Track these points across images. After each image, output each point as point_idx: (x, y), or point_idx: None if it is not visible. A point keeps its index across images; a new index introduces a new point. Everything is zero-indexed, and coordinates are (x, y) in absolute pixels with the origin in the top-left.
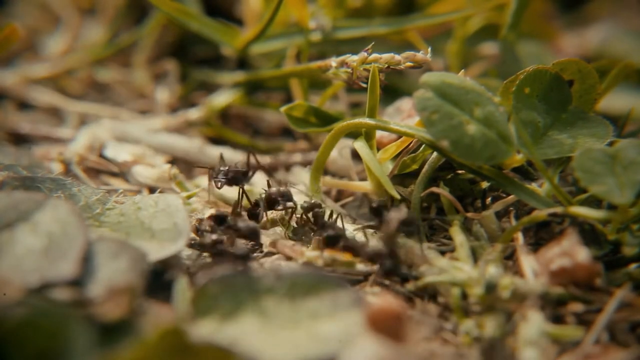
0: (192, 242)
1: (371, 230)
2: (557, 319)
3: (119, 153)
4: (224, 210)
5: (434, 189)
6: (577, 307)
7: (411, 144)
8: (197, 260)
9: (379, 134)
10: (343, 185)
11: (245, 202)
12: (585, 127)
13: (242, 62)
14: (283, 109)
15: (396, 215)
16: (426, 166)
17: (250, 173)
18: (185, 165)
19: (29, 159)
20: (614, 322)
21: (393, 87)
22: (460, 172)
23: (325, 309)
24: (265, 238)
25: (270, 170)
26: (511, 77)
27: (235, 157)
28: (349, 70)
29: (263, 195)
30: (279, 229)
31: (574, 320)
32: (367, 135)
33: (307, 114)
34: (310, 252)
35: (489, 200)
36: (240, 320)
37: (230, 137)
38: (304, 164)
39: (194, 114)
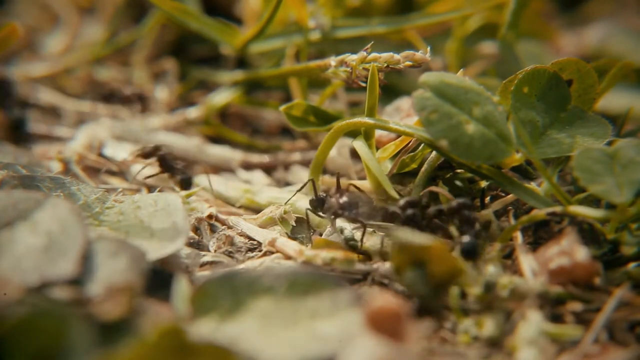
0: (191, 241)
1: (370, 229)
2: (556, 318)
3: (118, 152)
4: None
5: (433, 188)
6: (576, 306)
7: (410, 143)
8: (196, 259)
9: (378, 133)
10: (342, 185)
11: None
12: (584, 126)
13: (242, 61)
14: (282, 108)
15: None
16: (425, 165)
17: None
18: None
19: (28, 157)
20: (613, 321)
21: (392, 87)
22: (459, 171)
23: (325, 309)
24: (265, 237)
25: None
26: (510, 77)
27: (234, 156)
28: (348, 69)
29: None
30: (278, 228)
31: (573, 319)
32: (366, 134)
33: (306, 113)
34: (309, 251)
35: (488, 199)
36: (239, 319)
37: (229, 136)
38: (303, 163)
39: (193, 112)
